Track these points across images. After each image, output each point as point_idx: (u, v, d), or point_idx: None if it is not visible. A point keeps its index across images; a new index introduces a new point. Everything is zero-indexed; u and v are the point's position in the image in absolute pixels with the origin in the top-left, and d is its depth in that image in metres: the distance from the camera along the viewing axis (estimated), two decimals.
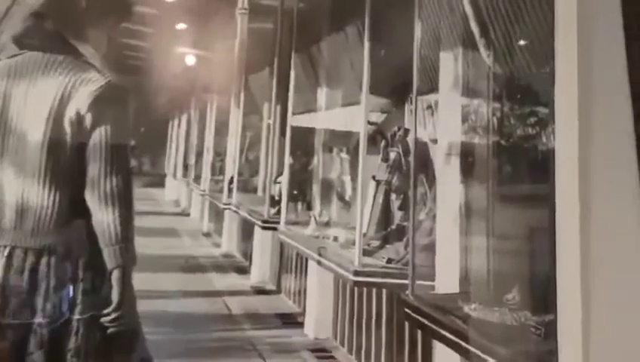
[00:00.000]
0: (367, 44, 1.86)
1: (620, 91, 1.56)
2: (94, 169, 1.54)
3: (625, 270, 1.55)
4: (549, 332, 1.53)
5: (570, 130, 1.52)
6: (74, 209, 1.55)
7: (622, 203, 1.57)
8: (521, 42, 1.76)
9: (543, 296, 1.62)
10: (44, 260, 1.51)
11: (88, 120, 1.54)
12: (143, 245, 1.71)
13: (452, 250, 1.89)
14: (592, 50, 1.55)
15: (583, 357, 1.47)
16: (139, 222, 1.67)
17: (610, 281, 1.53)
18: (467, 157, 1.82)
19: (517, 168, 1.79)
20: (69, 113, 1.53)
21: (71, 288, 1.53)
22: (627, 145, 1.55)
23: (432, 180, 1.94)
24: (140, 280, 1.66)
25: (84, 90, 1.54)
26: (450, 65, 1.80)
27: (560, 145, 1.55)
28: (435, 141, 1.88)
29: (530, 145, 1.75)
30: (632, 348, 1.53)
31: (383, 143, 2.12)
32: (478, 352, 1.63)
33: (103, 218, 1.53)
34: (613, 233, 1.55)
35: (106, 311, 1.52)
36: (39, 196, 1.52)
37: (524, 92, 1.76)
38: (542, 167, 1.67)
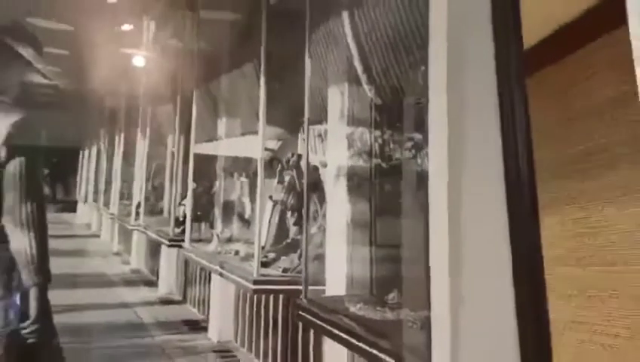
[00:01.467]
0: (262, 80, 1.85)
1: (487, 117, 1.61)
2: (10, 198, 1.53)
3: (486, 274, 1.59)
4: (424, 325, 1.55)
5: (441, 153, 1.55)
6: None
7: (487, 217, 1.61)
8: (399, 78, 1.76)
9: (418, 296, 1.62)
10: None
11: (3, 154, 1.52)
12: (57, 265, 1.67)
13: (340, 259, 1.89)
14: (461, 87, 1.58)
15: (452, 345, 1.52)
16: (53, 244, 1.63)
17: (474, 283, 1.58)
18: (353, 178, 1.84)
19: (396, 186, 1.80)
20: None
21: None
22: (493, 165, 1.59)
23: (322, 199, 1.95)
24: (55, 296, 1.62)
25: None
26: (337, 98, 1.82)
27: (432, 166, 1.58)
28: (325, 165, 1.89)
29: (408, 166, 1.74)
30: (492, 339, 1.59)
31: (278, 168, 2.12)
32: (363, 345, 1.65)
33: (20, 242, 1.51)
34: (478, 242, 1.59)
35: (25, 324, 1.52)
36: None
37: (401, 121, 1.77)
38: (418, 186, 1.71)
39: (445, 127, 1.56)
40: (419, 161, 1.73)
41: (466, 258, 1.60)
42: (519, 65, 1.59)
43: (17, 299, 1.55)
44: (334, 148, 1.87)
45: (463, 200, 1.57)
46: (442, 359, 1.53)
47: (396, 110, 1.80)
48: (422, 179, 1.68)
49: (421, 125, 1.66)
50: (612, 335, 1.94)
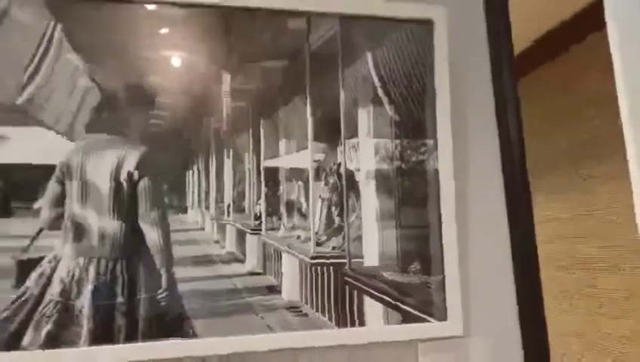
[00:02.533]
0: (309, 109, 1.78)
1: (485, 121, 1.58)
2: (142, 206, 1.59)
3: (488, 245, 1.55)
4: (440, 286, 1.54)
5: (448, 154, 1.52)
6: (134, 232, 1.58)
7: (487, 201, 1.54)
8: (412, 98, 1.68)
9: (435, 265, 1.59)
10: (118, 265, 1.53)
11: (136, 176, 1.58)
12: (177, 251, 1.69)
13: (373, 239, 1.80)
14: (462, 102, 1.53)
15: (462, 301, 1.51)
16: (174, 236, 1.68)
17: (478, 253, 1.55)
18: (379, 178, 1.74)
19: (414, 182, 1.69)
20: (124, 173, 1.57)
21: (137, 279, 1.56)
22: (491, 159, 1.55)
23: (358, 195, 1.87)
24: (178, 272, 1.66)
25: (131, 158, 1.58)
26: (365, 117, 1.74)
27: (442, 165, 1.55)
28: (358, 170, 1.82)
29: (422, 167, 1.66)
30: (493, 293, 1.56)
31: (324, 174, 2.05)
32: (393, 301, 1.62)
33: (152, 236, 1.58)
34: (480, 221, 1.55)
35: (159, 292, 1.58)
36: (111, 226, 1.54)
37: (416, 131, 1.68)
38: (431, 181, 1.64)
39: (449, 133, 1.51)
40: (431, 161, 1.63)
41: (471, 234, 1.54)
42: (511, 73, 1.51)
43: (153, 275, 1.60)
44: (365, 156, 1.78)
45: (467, 189, 1.53)
46: (455, 309, 1.52)
47: (411, 123, 1.72)
48: (434, 175, 1.62)
49: (431, 133, 1.61)
50: (616, 299, 1.80)
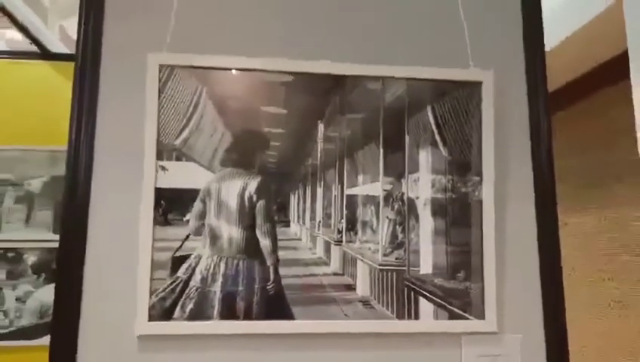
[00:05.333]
0: (381, 152, 1.76)
1: (522, 161, 1.48)
2: (259, 220, 1.60)
3: (520, 261, 1.48)
4: (480, 292, 1.49)
5: (490, 188, 1.48)
6: (252, 238, 1.59)
7: (521, 228, 1.48)
8: (464, 143, 1.64)
9: (476, 274, 1.53)
10: (240, 262, 1.55)
11: (255, 198, 1.60)
12: (282, 254, 1.69)
13: (428, 252, 1.74)
14: (505, 147, 1.46)
15: (497, 302, 1.45)
16: (279, 243, 1.69)
17: (510, 267, 1.47)
18: (435, 205, 1.69)
19: (462, 209, 1.64)
20: (247, 195, 1.59)
21: (253, 274, 1.57)
22: (526, 193, 1.46)
23: (417, 218, 1.80)
24: (281, 270, 1.66)
25: (252, 184, 1.60)
26: (424, 157, 1.71)
27: (485, 196, 1.51)
28: (418, 198, 1.77)
29: (469, 198, 1.60)
30: (523, 300, 1.48)
31: (391, 200, 2.01)
32: (442, 302, 1.57)
33: (264, 243, 1.59)
34: (515, 243, 1.48)
35: (268, 283, 1.57)
36: (236, 234, 1.56)
37: (465, 169, 1.63)
38: (476, 209, 1.58)
39: (492, 171, 1.47)
40: (476, 193, 1.57)
41: (507, 250, 1.48)
42: (547, 116, 1.41)
43: (265, 271, 1.59)
44: (423, 188, 1.73)
45: (505, 215, 1.48)
46: (491, 310, 1.47)
47: (461, 162, 1.65)
48: (478, 204, 1.56)
49: (477, 171, 1.56)
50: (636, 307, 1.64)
